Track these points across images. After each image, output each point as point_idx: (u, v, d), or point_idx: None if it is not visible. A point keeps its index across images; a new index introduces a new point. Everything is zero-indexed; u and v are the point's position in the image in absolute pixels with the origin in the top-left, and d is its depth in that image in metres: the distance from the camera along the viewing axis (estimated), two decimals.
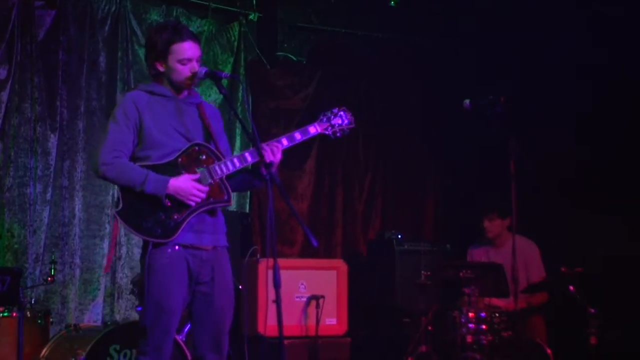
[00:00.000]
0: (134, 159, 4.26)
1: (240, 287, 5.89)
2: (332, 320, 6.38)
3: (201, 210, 4.21)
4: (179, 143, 4.27)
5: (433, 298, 6.50)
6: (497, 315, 6.21)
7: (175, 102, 4.34)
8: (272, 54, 7.75)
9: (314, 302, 6.24)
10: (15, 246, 6.22)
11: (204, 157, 4.27)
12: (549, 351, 5.86)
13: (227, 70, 7.26)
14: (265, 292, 5.93)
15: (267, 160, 4.14)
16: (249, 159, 4.24)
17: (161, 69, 4.32)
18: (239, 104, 7.27)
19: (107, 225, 6.56)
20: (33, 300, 5.76)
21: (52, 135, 6.43)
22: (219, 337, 4.31)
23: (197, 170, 4.22)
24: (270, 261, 3.84)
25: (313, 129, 4.41)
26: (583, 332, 5.82)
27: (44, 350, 5.25)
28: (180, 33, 4.29)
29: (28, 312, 5.44)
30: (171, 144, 4.26)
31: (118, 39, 6.81)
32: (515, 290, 5.80)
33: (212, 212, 4.28)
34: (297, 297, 6.27)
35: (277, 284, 3.81)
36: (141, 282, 4.26)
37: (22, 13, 6.35)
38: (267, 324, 5.91)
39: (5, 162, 6.27)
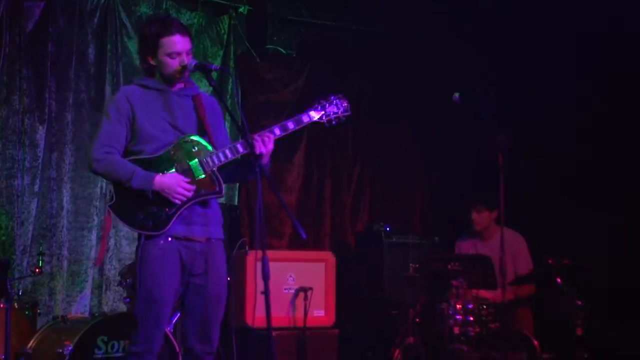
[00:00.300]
0: (127, 153, 4.29)
1: (228, 279, 5.89)
2: (320, 312, 6.40)
3: (193, 202, 4.22)
4: (171, 136, 4.29)
5: (421, 290, 6.53)
6: (484, 307, 6.25)
7: (168, 95, 4.35)
8: (262, 47, 7.73)
9: (302, 294, 6.26)
10: (3, 238, 6.21)
11: (195, 149, 4.28)
12: (535, 342, 5.90)
13: (217, 63, 7.25)
14: (254, 283, 5.95)
15: (257, 152, 4.15)
16: (241, 149, 4.25)
17: (152, 62, 4.33)
18: (228, 96, 7.26)
19: (95, 217, 6.55)
20: (20, 291, 5.75)
21: (40, 127, 6.41)
22: (209, 328, 4.33)
23: (189, 163, 4.24)
24: (259, 253, 3.84)
25: (306, 118, 4.40)
26: (569, 323, 5.86)
27: (31, 342, 5.25)
28: (168, 26, 4.29)
29: (15, 304, 5.42)
30: (163, 137, 4.28)
31: (107, 31, 6.79)
32: (502, 282, 5.83)
33: (203, 204, 4.29)
34: (285, 289, 6.28)
35: (265, 276, 3.81)
36: (134, 273, 4.29)
37: (10, 4, 6.33)
38: (255, 316, 5.93)
39: None
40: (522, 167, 6.81)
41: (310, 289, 6.25)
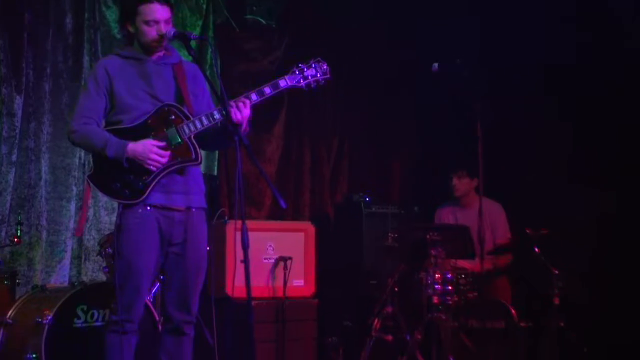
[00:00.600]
0: (107, 124, 4.31)
1: (207, 248, 5.90)
2: (300, 282, 6.41)
3: (170, 170, 4.22)
4: (149, 105, 4.29)
5: (400, 260, 6.57)
6: (462, 276, 6.29)
7: (147, 64, 4.34)
8: (241, 17, 7.69)
9: (281, 264, 6.26)
10: None
11: (173, 117, 4.28)
12: (513, 311, 5.95)
13: (196, 33, 7.19)
14: (233, 254, 5.94)
15: (234, 118, 4.13)
16: (217, 116, 4.25)
17: (130, 29, 4.33)
18: (207, 66, 7.23)
19: (73, 188, 6.52)
20: None
21: (17, 97, 6.36)
22: (188, 298, 4.34)
23: (166, 131, 4.23)
24: (239, 223, 3.84)
25: (283, 82, 4.38)
26: (547, 292, 5.92)
27: (10, 311, 5.22)
28: None
29: None
30: (142, 106, 4.28)
31: (84, 0, 6.72)
32: (481, 252, 5.87)
33: (183, 172, 4.28)
34: (265, 259, 6.28)
35: (245, 245, 3.81)
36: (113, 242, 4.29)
37: None
38: (234, 286, 5.91)
39: None
40: (501, 136, 6.84)
41: (290, 258, 6.26)
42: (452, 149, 7.65)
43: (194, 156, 4.28)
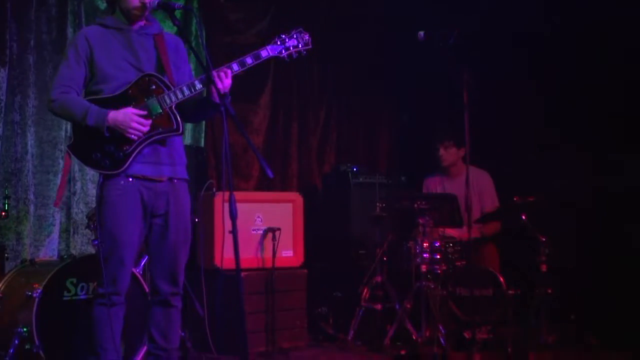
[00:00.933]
0: (87, 93, 4.27)
1: (196, 220, 5.90)
2: (289, 252, 6.43)
3: (151, 140, 4.20)
4: (130, 75, 4.26)
5: (388, 229, 6.58)
6: (451, 244, 6.33)
7: (129, 33, 4.31)
8: None
9: (270, 234, 6.28)
10: None
11: (153, 87, 4.26)
12: (501, 279, 5.98)
13: (181, 2, 7.12)
14: (222, 225, 5.95)
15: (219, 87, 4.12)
16: (198, 86, 4.24)
17: None
18: (192, 37, 7.19)
19: (60, 161, 6.48)
20: None
21: (1, 70, 6.30)
22: (174, 269, 4.35)
23: (146, 101, 4.21)
24: (227, 194, 3.84)
25: (265, 52, 4.37)
26: (534, 259, 5.95)
27: None
28: None
29: None
30: (122, 76, 4.25)
31: None
32: (468, 220, 5.89)
33: (164, 143, 4.27)
34: (253, 230, 6.30)
35: (233, 215, 3.81)
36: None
37: None
38: (223, 257, 5.95)
39: None
40: (488, 105, 6.83)
41: (278, 229, 6.27)
42: (439, 118, 7.64)
43: (175, 126, 4.26)
